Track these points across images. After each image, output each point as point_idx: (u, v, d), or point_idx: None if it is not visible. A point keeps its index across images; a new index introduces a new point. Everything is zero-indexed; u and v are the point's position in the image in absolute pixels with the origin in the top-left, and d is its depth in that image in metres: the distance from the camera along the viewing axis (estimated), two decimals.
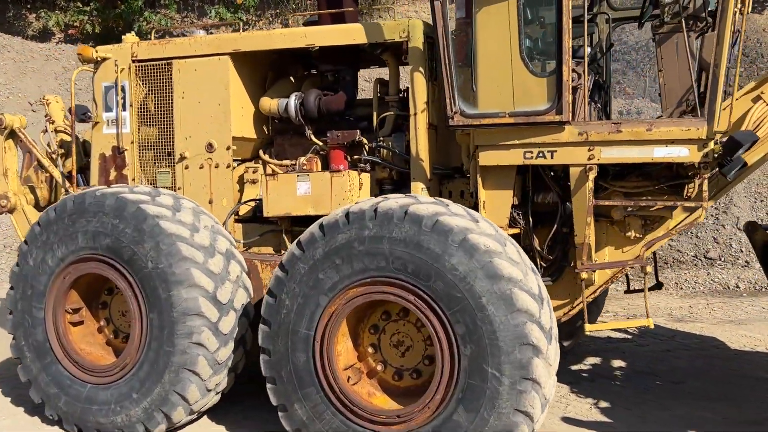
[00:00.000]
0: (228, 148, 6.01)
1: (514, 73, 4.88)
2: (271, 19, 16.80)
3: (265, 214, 5.65)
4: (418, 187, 5.48)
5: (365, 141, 5.82)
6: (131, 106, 6.34)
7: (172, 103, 6.17)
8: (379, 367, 4.58)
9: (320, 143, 6.02)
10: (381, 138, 5.79)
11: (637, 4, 6.36)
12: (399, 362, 4.60)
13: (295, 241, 4.55)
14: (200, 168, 6.11)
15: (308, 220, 5.69)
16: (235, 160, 6.04)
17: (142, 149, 6.33)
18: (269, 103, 6.10)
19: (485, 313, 3.95)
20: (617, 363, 6.94)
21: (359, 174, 5.56)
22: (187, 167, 6.14)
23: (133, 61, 6.29)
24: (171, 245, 4.78)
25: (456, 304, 4.02)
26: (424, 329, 4.43)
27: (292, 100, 5.94)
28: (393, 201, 4.27)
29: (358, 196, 5.51)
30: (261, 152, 6.30)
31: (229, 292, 4.94)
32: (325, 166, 5.99)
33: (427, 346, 4.45)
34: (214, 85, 6.02)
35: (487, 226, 4.24)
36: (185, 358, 4.74)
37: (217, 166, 6.05)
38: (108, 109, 6.44)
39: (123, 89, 6.35)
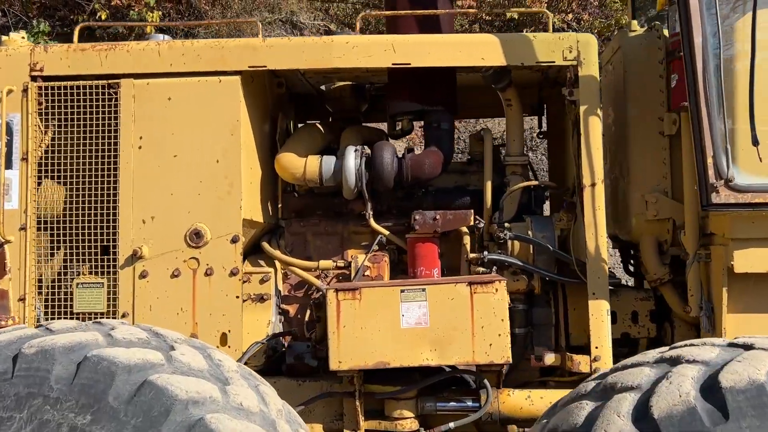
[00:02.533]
0: (235, 241, 3.29)
1: None
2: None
3: (332, 366, 2.96)
4: (601, 310, 3.20)
5: (465, 228, 3.48)
6: (24, 160, 3.37)
7: (115, 155, 3.33)
8: None
9: (385, 232, 3.55)
10: (507, 224, 3.46)
11: None
12: None
13: None
14: (173, 276, 3.28)
15: (392, 375, 3.13)
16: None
17: (43, 241, 3.36)
18: (299, 164, 3.51)
19: None
20: None
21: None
22: (143, 275, 3.28)
23: (34, 78, 3.39)
24: None
25: None
26: None
27: (352, 159, 3.43)
28: None
29: (507, 325, 3.08)
30: (266, 245, 3.64)
31: None
32: (398, 270, 3.54)
33: None
34: (208, 126, 3.33)
35: None
36: None
37: (209, 273, 3.27)
38: None
39: (9, 129, 3.37)
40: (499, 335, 2.94)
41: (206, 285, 3.28)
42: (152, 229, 3.30)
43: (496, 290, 2.96)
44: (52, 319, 3.30)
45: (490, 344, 2.93)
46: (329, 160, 3.50)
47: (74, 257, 3.35)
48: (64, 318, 3.30)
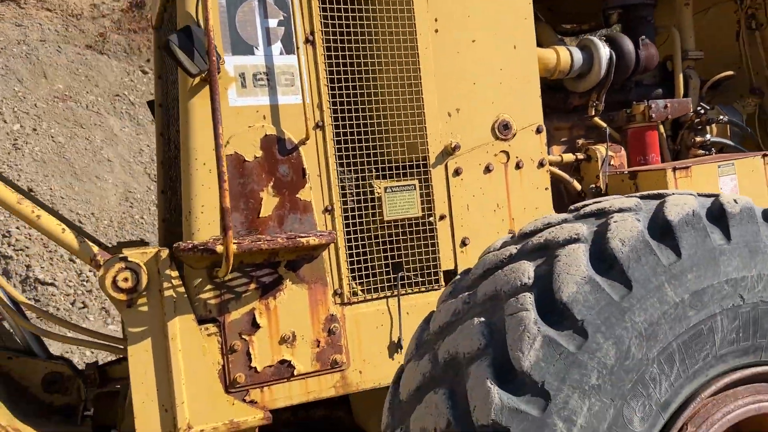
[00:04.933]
0: (540, 131, 3.18)
1: None
2: None
3: None
4: None
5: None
6: (309, 42, 2.79)
7: (412, 40, 2.94)
8: None
9: (603, 124, 3.73)
10: (706, 109, 3.88)
11: None
12: None
13: None
14: (486, 172, 3.07)
15: None
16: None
17: (345, 141, 2.85)
18: (551, 55, 3.47)
19: None
20: None
21: None
22: (457, 173, 3.01)
23: None
24: None
25: None
26: None
27: (602, 48, 3.50)
28: None
29: None
30: None
31: None
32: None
33: None
34: (504, 7, 3.12)
35: None
36: None
37: (519, 167, 3.14)
38: (242, 47, 2.70)
39: (284, 3, 2.74)
40: None
41: (518, 179, 3.13)
42: (459, 123, 3.02)
43: None
44: (358, 232, 2.85)
45: None
46: (576, 51, 3.51)
47: (377, 156, 2.90)
48: (368, 230, 2.88)
